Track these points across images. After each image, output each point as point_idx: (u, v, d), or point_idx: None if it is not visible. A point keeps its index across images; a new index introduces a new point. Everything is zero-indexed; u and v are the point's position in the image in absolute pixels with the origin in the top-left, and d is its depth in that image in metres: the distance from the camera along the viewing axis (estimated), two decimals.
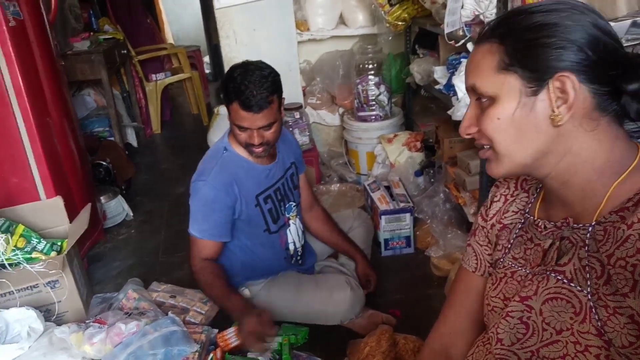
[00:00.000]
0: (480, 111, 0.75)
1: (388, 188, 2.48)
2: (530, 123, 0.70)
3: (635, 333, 0.64)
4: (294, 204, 1.94)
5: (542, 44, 0.68)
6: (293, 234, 1.95)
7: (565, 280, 0.74)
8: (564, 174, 0.73)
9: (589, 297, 0.70)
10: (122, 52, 3.97)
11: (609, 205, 0.70)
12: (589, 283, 0.70)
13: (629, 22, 1.02)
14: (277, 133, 1.71)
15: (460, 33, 1.89)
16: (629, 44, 1.02)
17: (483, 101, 0.74)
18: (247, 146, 1.70)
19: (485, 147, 0.77)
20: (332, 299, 1.80)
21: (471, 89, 0.76)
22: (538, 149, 0.72)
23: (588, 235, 0.72)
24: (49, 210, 2.08)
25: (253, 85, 1.57)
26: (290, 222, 1.93)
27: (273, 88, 1.62)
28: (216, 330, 1.84)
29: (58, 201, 2.09)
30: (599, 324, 0.68)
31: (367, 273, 2.03)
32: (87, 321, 1.77)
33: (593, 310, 0.69)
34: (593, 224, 0.71)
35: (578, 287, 0.72)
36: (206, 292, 1.84)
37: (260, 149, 1.69)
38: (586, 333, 0.70)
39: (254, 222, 1.81)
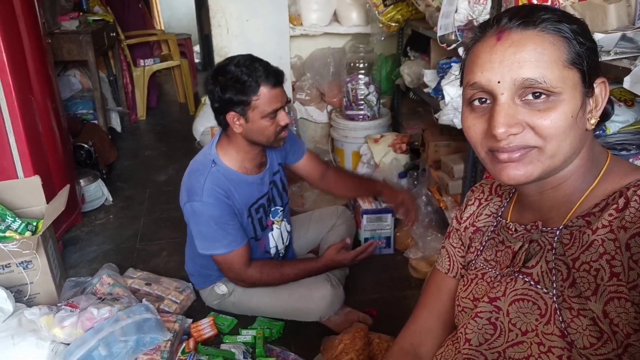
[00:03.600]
0: (526, 108, 0.67)
1: None
2: (581, 124, 0.69)
3: (596, 335, 0.66)
4: (280, 208, 1.91)
5: (595, 49, 0.70)
6: (276, 238, 1.91)
7: (532, 282, 0.75)
8: (559, 179, 0.73)
9: (554, 299, 0.71)
10: (111, 34, 3.91)
11: (578, 210, 0.72)
12: (554, 285, 0.72)
13: (618, 35, 1.03)
14: None
15: (453, 37, 1.89)
16: (618, 57, 1.03)
17: (537, 97, 0.66)
18: (277, 134, 1.65)
19: (524, 149, 0.68)
20: (312, 295, 1.79)
21: (520, 83, 0.66)
22: (575, 151, 0.70)
23: (555, 238, 0.73)
24: (26, 189, 2.04)
25: (261, 64, 1.57)
26: (274, 226, 1.89)
27: None
28: (190, 320, 1.82)
29: (36, 180, 2.05)
30: (562, 325, 0.69)
31: (396, 197, 2.01)
32: (58, 304, 1.74)
33: (557, 312, 0.70)
34: (560, 227, 0.73)
35: (544, 289, 0.73)
36: (284, 281, 1.77)
37: (286, 131, 1.69)
38: (550, 334, 0.71)
39: (245, 232, 1.77)
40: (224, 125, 1.66)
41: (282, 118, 1.63)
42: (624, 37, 1.03)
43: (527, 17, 0.68)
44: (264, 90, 1.56)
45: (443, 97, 1.96)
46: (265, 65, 1.58)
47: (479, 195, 0.94)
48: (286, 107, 1.68)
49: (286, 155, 1.94)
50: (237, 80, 1.55)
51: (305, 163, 1.99)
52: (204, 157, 1.72)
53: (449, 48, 1.93)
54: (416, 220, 2.02)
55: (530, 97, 0.67)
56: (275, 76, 1.58)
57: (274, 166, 1.86)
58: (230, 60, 1.61)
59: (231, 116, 1.61)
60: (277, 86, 1.59)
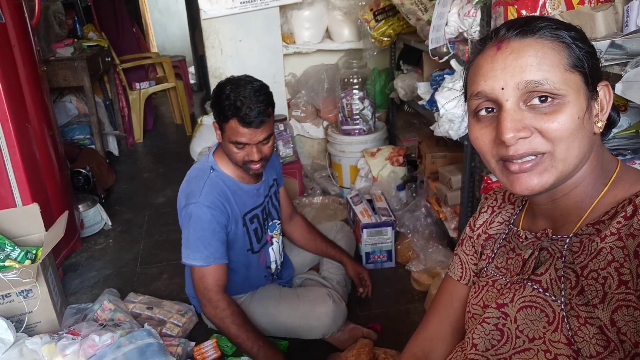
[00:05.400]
0: (532, 113, 0.68)
1: (370, 202, 2.48)
2: (588, 127, 0.69)
3: (603, 343, 0.65)
4: (278, 221, 1.92)
5: (594, 53, 0.71)
6: (275, 251, 1.92)
7: (540, 290, 0.75)
8: (569, 186, 0.73)
9: (562, 307, 0.71)
10: (106, 59, 3.94)
11: (589, 218, 0.72)
12: (563, 293, 0.72)
13: (607, 42, 1.04)
14: (273, 147, 1.68)
15: (444, 50, 1.91)
16: (607, 63, 1.04)
17: (543, 101, 0.67)
18: (245, 164, 1.65)
19: (531, 157, 0.69)
20: (315, 312, 1.77)
21: (524, 87, 0.67)
22: (584, 154, 0.70)
23: (565, 246, 0.73)
24: (24, 218, 2.03)
25: (249, 99, 1.54)
26: (274, 240, 1.91)
27: (268, 100, 1.60)
28: (193, 343, 1.81)
29: (34, 208, 2.04)
30: (569, 333, 0.69)
31: (359, 271, 2.05)
32: (60, 332, 1.73)
33: (565, 319, 0.70)
34: (570, 235, 0.73)
35: (552, 297, 0.73)
36: (234, 333, 1.63)
37: (259, 165, 1.65)
38: (557, 342, 0.70)
39: (239, 242, 1.77)
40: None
41: (249, 153, 1.61)
42: (613, 44, 1.04)
43: (525, 26, 0.69)
44: (233, 123, 1.57)
45: (437, 109, 1.97)
46: (250, 101, 1.54)
47: (492, 203, 0.95)
48: (270, 140, 1.64)
49: (277, 174, 1.95)
50: (219, 101, 1.58)
51: (280, 196, 2.00)
52: (202, 164, 1.74)
53: (441, 60, 1.95)
54: (370, 294, 2.06)
55: (535, 101, 0.68)
56: (249, 117, 1.54)
57: (269, 180, 1.87)
58: (229, 80, 1.62)
59: (215, 123, 1.65)
60: (247, 126, 1.56)
